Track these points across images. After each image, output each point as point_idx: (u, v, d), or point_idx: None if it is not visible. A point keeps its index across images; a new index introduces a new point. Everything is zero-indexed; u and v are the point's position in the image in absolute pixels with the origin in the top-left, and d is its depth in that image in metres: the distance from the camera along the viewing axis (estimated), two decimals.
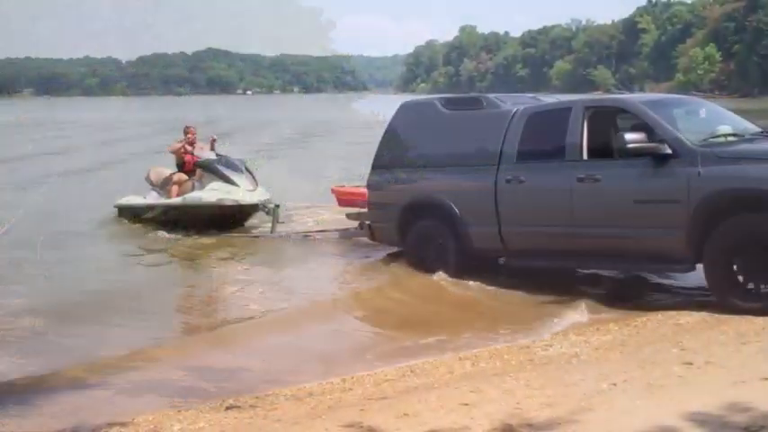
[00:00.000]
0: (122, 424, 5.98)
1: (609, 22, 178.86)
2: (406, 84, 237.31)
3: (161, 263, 13.18)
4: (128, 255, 13.83)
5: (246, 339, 9.00)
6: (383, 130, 11.79)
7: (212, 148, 16.04)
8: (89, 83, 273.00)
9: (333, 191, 15.00)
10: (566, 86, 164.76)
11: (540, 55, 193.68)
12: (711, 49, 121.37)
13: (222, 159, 15.63)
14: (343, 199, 14.36)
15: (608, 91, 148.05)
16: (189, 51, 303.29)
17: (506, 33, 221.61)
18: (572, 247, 9.49)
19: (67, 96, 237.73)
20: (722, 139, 9.10)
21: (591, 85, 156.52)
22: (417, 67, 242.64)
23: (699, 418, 4.96)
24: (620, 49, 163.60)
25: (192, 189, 15.56)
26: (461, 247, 10.42)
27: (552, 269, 10.02)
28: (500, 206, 10.04)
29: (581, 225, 9.35)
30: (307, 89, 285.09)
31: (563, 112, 9.98)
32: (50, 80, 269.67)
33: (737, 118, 10.13)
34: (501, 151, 10.12)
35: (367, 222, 12.09)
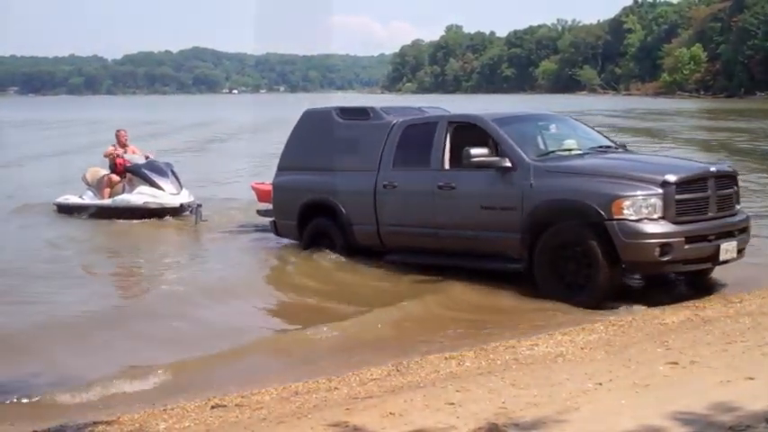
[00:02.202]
0: (107, 422, 5.95)
1: (595, 22, 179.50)
2: (392, 83, 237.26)
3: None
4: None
5: None
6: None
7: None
8: (74, 81, 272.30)
9: (252, 187, 15.64)
10: (552, 86, 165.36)
11: (525, 55, 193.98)
12: (697, 49, 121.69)
13: (149, 164, 17.05)
14: (262, 195, 14.84)
15: (593, 91, 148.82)
16: (175, 50, 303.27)
17: (492, 33, 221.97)
18: (436, 246, 10.67)
19: (53, 95, 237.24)
20: (565, 153, 10.33)
21: (577, 85, 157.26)
22: (403, 67, 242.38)
23: (684, 418, 4.97)
24: (605, 48, 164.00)
25: (123, 191, 17.08)
26: (347, 243, 11.60)
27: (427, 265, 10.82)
28: (378, 208, 11.21)
29: (441, 227, 10.53)
30: (293, 88, 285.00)
31: (431, 125, 11.08)
32: (36, 79, 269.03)
33: (591, 132, 11.45)
34: (380, 158, 11.26)
35: (272, 219, 12.99)
